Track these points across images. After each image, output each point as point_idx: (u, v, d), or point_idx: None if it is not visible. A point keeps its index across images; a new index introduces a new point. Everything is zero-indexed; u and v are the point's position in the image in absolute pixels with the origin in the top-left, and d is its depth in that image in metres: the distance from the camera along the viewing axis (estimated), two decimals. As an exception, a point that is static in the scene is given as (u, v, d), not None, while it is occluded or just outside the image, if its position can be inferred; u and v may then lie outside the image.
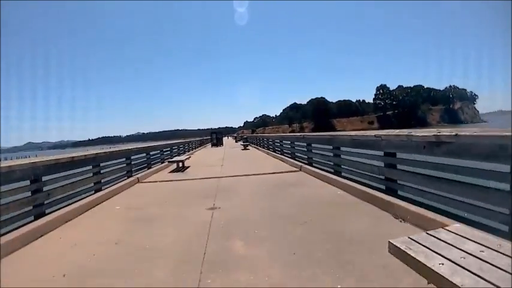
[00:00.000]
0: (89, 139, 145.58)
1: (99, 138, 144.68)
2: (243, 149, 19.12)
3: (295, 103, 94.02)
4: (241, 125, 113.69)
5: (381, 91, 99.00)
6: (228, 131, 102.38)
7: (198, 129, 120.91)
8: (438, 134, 3.07)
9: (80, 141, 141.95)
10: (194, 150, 22.57)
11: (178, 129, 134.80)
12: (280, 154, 11.71)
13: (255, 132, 63.45)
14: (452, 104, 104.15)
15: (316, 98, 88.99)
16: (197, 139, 30.85)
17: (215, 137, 29.80)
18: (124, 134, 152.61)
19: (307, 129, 79.81)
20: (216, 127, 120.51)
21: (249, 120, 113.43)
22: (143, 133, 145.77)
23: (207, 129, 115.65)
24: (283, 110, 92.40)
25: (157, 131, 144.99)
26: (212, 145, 29.39)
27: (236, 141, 35.60)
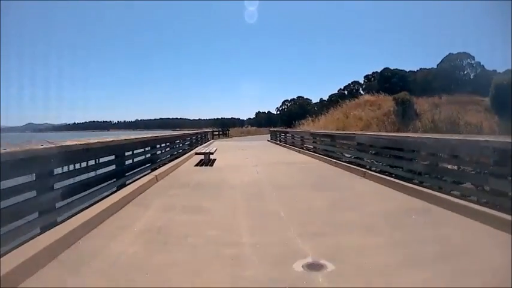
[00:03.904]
0: (75, 123, 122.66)
1: (86, 122, 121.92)
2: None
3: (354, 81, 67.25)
4: (252, 117, 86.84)
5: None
6: (235, 123, 76.12)
7: (200, 119, 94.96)
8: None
9: (69, 124, 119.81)
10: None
11: (177, 118, 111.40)
12: None
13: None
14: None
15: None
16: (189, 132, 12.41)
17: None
18: (115, 120, 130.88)
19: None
20: (220, 117, 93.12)
21: (262, 111, 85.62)
22: (137, 120, 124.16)
23: (210, 119, 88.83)
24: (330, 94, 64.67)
25: (153, 118, 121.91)
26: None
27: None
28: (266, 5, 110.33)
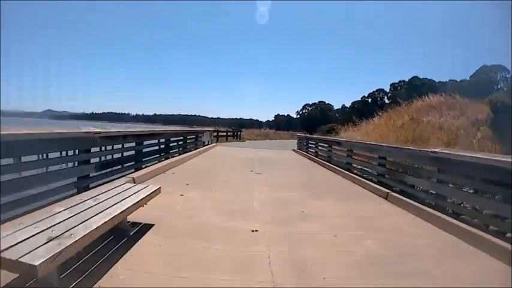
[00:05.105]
0: (92, 112, 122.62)
1: (104, 113, 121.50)
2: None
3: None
4: (271, 119, 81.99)
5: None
6: (253, 124, 70.31)
7: (218, 118, 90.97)
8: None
9: (87, 113, 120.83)
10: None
11: (195, 115, 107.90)
12: None
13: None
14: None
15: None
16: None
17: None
18: (133, 113, 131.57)
19: None
20: (239, 117, 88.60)
21: (281, 114, 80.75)
22: (156, 114, 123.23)
23: (229, 119, 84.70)
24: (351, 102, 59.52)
25: (171, 113, 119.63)
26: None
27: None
28: (280, 5, 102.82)
